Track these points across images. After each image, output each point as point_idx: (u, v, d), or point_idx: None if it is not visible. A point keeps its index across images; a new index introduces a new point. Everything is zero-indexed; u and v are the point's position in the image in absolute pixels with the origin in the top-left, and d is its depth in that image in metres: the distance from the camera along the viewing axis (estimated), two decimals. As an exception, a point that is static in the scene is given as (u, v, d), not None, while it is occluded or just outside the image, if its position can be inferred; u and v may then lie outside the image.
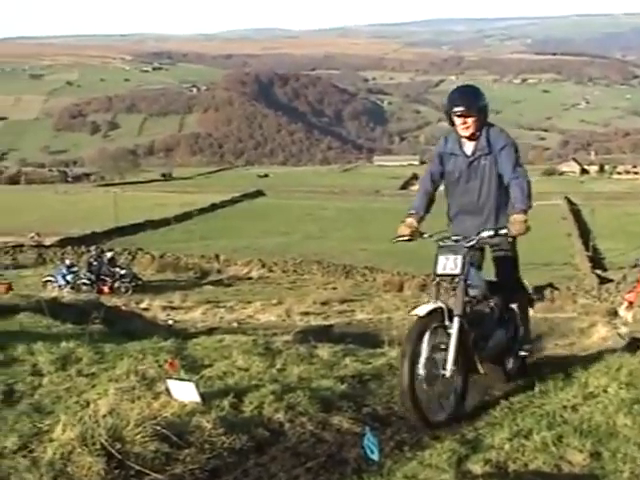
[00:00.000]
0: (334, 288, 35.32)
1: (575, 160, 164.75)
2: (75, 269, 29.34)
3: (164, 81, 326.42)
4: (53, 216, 76.55)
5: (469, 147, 5.67)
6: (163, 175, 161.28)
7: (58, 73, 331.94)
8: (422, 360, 4.83)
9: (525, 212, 5.23)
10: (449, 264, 5.18)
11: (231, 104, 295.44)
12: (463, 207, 5.75)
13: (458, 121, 5.56)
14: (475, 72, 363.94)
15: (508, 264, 5.76)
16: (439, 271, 5.23)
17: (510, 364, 5.86)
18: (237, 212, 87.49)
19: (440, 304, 5.05)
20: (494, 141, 5.59)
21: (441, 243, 5.33)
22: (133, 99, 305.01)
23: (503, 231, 5.19)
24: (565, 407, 4.92)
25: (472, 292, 5.40)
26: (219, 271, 41.03)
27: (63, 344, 6.91)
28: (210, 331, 13.86)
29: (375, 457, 4.21)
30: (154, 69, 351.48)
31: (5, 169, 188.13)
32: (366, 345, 8.00)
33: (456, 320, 5.03)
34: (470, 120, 5.55)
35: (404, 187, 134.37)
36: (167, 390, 4.99)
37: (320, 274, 42.19)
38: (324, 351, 7.15)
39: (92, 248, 35.34)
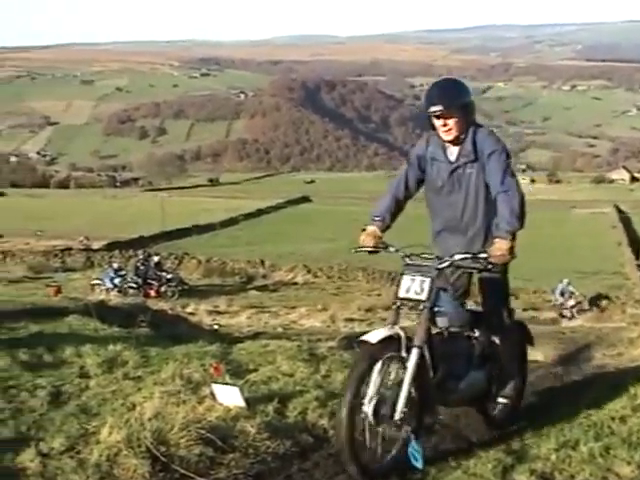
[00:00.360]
0: (379, 295, 35.17)
1: (625, 168, 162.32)
2: (122, 273, 29.63)
3: (212, 87, 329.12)
4: (101, 220, 77.51)
5: (453, 152, 4.86)
6: (210, 180, 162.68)
7: (108, 79, 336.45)
8: (369, 395, 4.11)
9: (512, 235, 4.44)
10: (414, 287, 4.41)
11: (278, 110, 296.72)
12: (446, 223, 4.97)
13: (438, 123, 4.77)
14: (524, 78, 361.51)
15: (495, 291, 4.95)
16: (401, 294, 4.44)
17: (496, 410, 5.07)
18: (283, 218, 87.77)
19: (398, 331, 4.30)
20: (481, 145, 4.76)
21: (408, 261, 4.56)
22: (181, 105, 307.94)
23: (482, 255, 4.41)
24: (613, 418, 4.84)
25: (441, 322, 4.61)
26: (264, 276, 41.17)
27: (110, 347, 6.98)
28: (255, 336, 13.91)
29: (419, 465, 4.19)
30: (202, 75, 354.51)
31: (55, 173, 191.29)
32: (411, 352, 7.92)
33: (414, 352, 4.25)
34: (451, 121, 4.73)
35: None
36: (212, 394, 5.02)
37: (365, 280, 42.05)
38: (368, 358, 7.12)
39: (139, 252, 35.68)
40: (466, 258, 4.46)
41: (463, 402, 4.82)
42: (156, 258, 31.37)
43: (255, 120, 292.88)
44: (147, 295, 27.60)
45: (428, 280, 4.38)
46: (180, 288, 29.48)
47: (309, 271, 42.79)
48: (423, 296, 4.37)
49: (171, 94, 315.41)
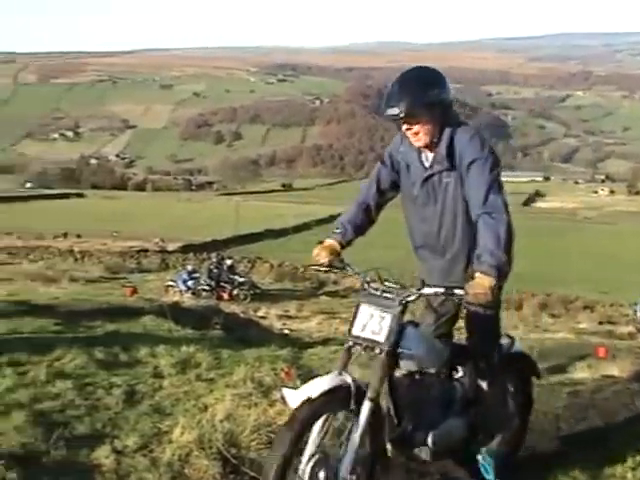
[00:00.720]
0: (451, 303, 34.85)
1: None
2: (196, 275, 29.95)
3: (288, 93, 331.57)
4: (176, 223, 78.74)
5: (428, 156, 3.97)
6: (283, 185, 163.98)
7: (186, 84, 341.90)
8: (307, 454, 3.37)
9: (497, 271, 3.48)
10: (372, 324, 3.56)
11: (353, 116, 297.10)
12: (425, 239, 4.12)
13: (403, 127, 3.89)
14: (604, 87, 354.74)
15: (483, 325, 4.01)
16: (355, 331, 3.59)
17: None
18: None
19: (347, 379, 3.46)
20: (461, 152, 3.82)
21: (369, 288, 3.71)
22: (257, 110, 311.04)
23: (458, 291, 3.48)
24: (692, 438, 4.71)
25: (407, 366, 3.74)
26: (335, 282, 41.17)
27: (183, 348, 7.07)
28: (325, 342, 13.90)
29: (490, 478, 4.12)
30: (278, 81, 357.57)
31: (133, 176, 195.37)
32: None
33: (366, 406, 3.44)
34: (418, 126, 3.83)
35: (526, 203, 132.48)
36: (282, 398, 5.04)
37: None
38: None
39: (213, 255, 36.01)
40: (438, 293, 3.60)
41: (437, 456, 3.90)
42: (229, 261, 31.59)
43: (330, 126, 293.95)
44: (220, 298, 27.81)
45: (389, 317, 3.54)
46: (252, 292, 29.63)
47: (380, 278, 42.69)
48: (381, 337, 3.52)
49: (247, 99, 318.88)
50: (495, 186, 3.72)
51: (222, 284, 29.37)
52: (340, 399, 3.41)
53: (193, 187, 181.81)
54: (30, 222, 74.94)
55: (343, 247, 4.11)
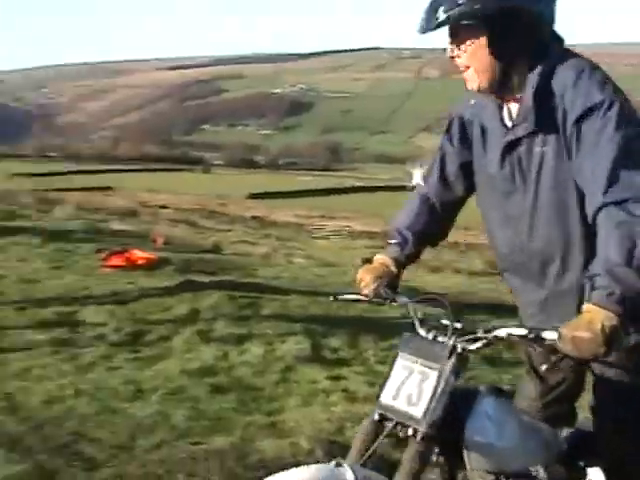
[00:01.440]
0: None
1: None
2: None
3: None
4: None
5: (512, 109, 2.33)
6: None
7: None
8: None
9: (622, 303, 1.90)
10: (408, 388, 2.06)
11: None
12: (510, 254, 2.46)
13: (447, 53, 2.29)
14: None
15: (614, 392, 2.33)
16: (386, 398, 2.08)
17: None
18: None
19: (345, 476, 1.92)
20: (563, 99, 2.15)
21: (419, 329, 2.18)
22: None
23: (549, 334, 1.92)
24: None
25: (479, 462, 2.18)
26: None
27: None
28: None
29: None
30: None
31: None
32: None
33: None
34: (466, 55, 2.23)
35: None
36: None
37: None
38: None
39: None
40: (514, 335, 2.00)
41: None
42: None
43: None
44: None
45: (433, 375, 2.04)
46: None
47: None
48: (418, 409, 2.01)
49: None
50: (630, 153, 2.05)
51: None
52: None
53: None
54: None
55: (403, 266, 2.57)
